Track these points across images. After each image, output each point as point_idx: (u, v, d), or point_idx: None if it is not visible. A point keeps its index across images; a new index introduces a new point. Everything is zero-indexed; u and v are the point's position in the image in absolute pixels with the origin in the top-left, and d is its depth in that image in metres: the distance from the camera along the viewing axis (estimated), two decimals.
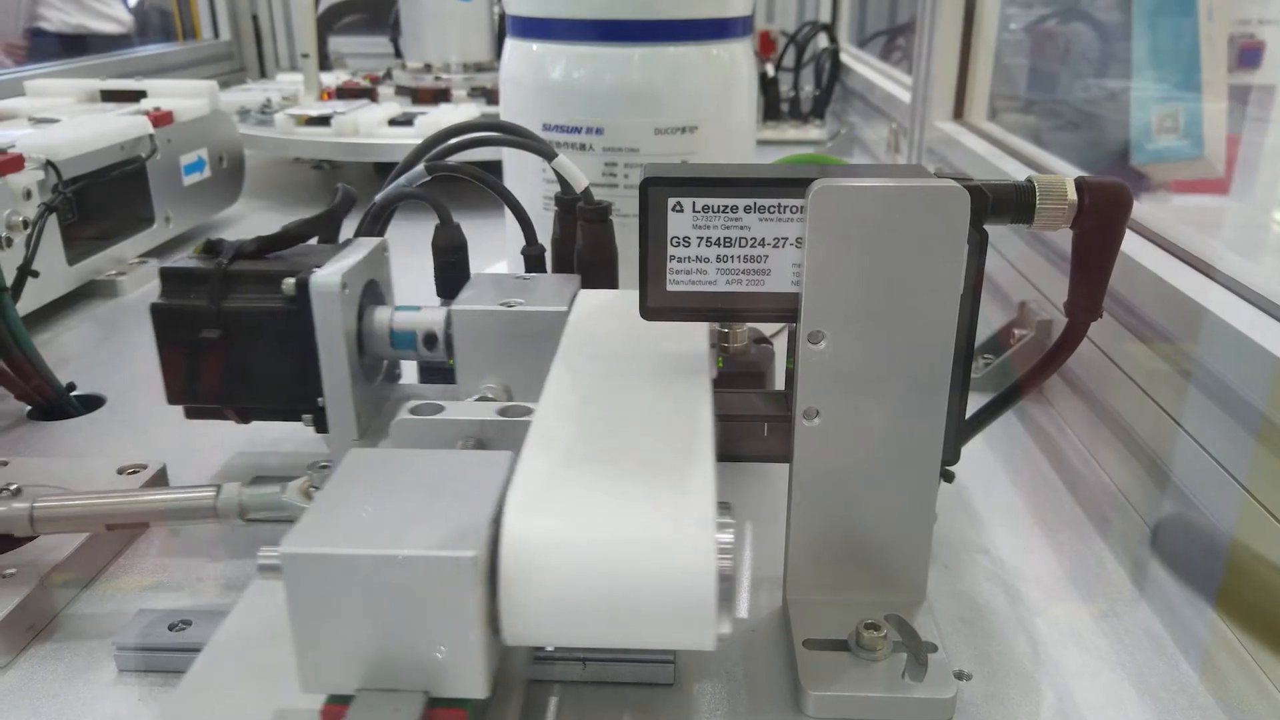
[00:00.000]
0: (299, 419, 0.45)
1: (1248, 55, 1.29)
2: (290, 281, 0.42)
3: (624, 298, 0.43)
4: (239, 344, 0.43)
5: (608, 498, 0.27)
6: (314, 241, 0.47)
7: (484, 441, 0.34)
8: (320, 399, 0.43)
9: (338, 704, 0.26)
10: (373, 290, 0.46)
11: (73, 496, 0.39)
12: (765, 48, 1.50)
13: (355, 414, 0.43)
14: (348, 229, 0.49)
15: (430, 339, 0.44)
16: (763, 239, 0.34)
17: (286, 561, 0.25)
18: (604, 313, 0.41)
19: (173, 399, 0.45)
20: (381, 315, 0.44)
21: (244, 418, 0.46)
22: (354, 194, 0.49)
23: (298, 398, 0.44)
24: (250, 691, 0.29)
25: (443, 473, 0.28)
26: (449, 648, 0.25)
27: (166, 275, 0.43)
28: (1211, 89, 0.93)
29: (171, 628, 0.36)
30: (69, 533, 0.40)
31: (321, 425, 0.44)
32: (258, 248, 0.44)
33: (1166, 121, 0.93)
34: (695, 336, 0.37)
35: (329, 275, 0.42)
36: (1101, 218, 0.34)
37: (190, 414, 0.46)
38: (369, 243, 0.46)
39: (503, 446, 0.30)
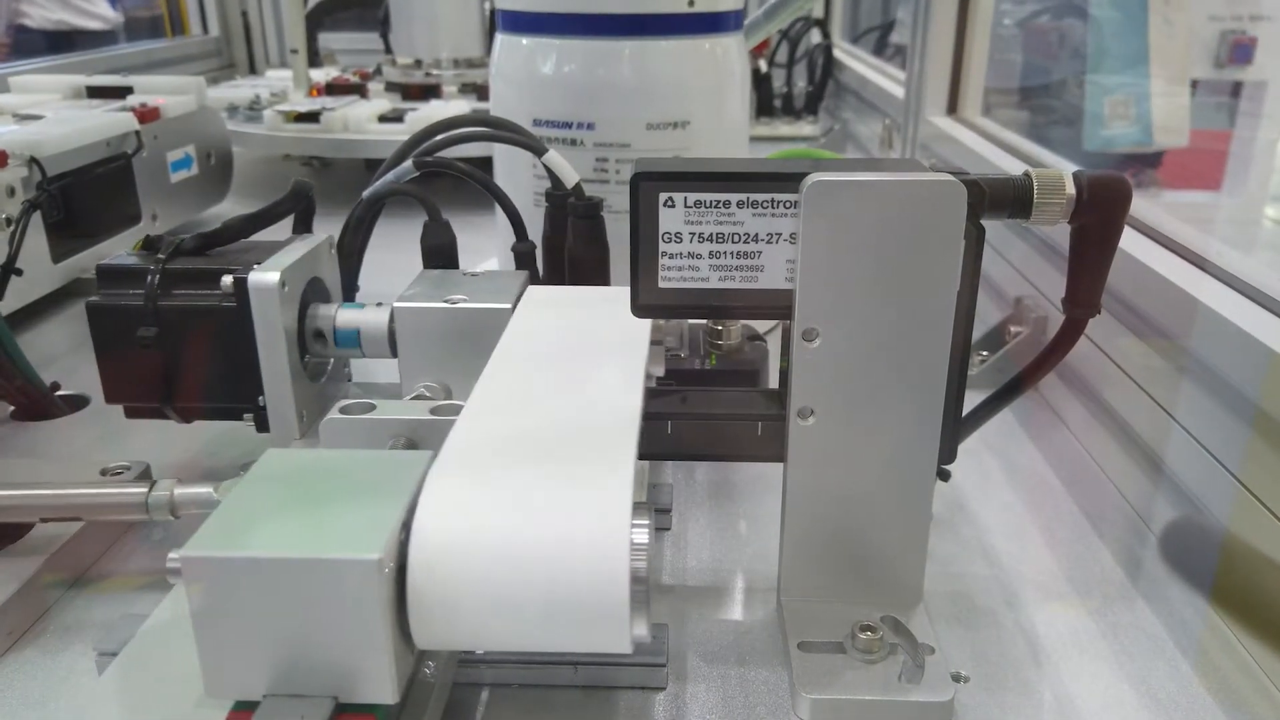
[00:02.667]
0: (240, 418, 0.44)
1: (1239, 51, 1.29)
2: (228, 279, 0.41)
3: (573, 294, 0.43)
4: (177, 342, 0.42)
5: (521, 498, 0.26)
6: (258, 237, 0.46)
7: (415, 441, 0.34)
8: (261, 398, 0.43)
9: (243, 710, 0.25)
10: (316, 287, 0.45)
11: (7, 488, 0.38)
12: (758, 44, 1.49)
13: (297, 413, 0.43)
14: (335, 225, 0.49)
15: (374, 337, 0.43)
16: (756, 234, 0.33)
17: (186, 565, 0.24)
18: (548, 309, 0.40)
19: (111, 398, 0.44)
20: (324, 313, 0.44)
21: (185, 417, 0.45)
22: (308, 188, 0.48)
23: (238, 396, 0.43)
24: (162, 698, 0.28)
25: (359, 473, 0.28)
26: (356, 652, 0.25)
27: (103, 273, 0.43)
28: (1165, 76, 0.92)
29: None
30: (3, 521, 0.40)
31: (263, 424, 0.44)
32: (197, 244, 0.44)
33: (1118, 109, 0.93)
34: (637, 335, 0.37)
35: (267, 272, 0.41)
36: (1100, 213, 0.34)
37: (130, 413, 0.45)
38: (312, 239, 0.45)
39: (434, 446, 0.29)
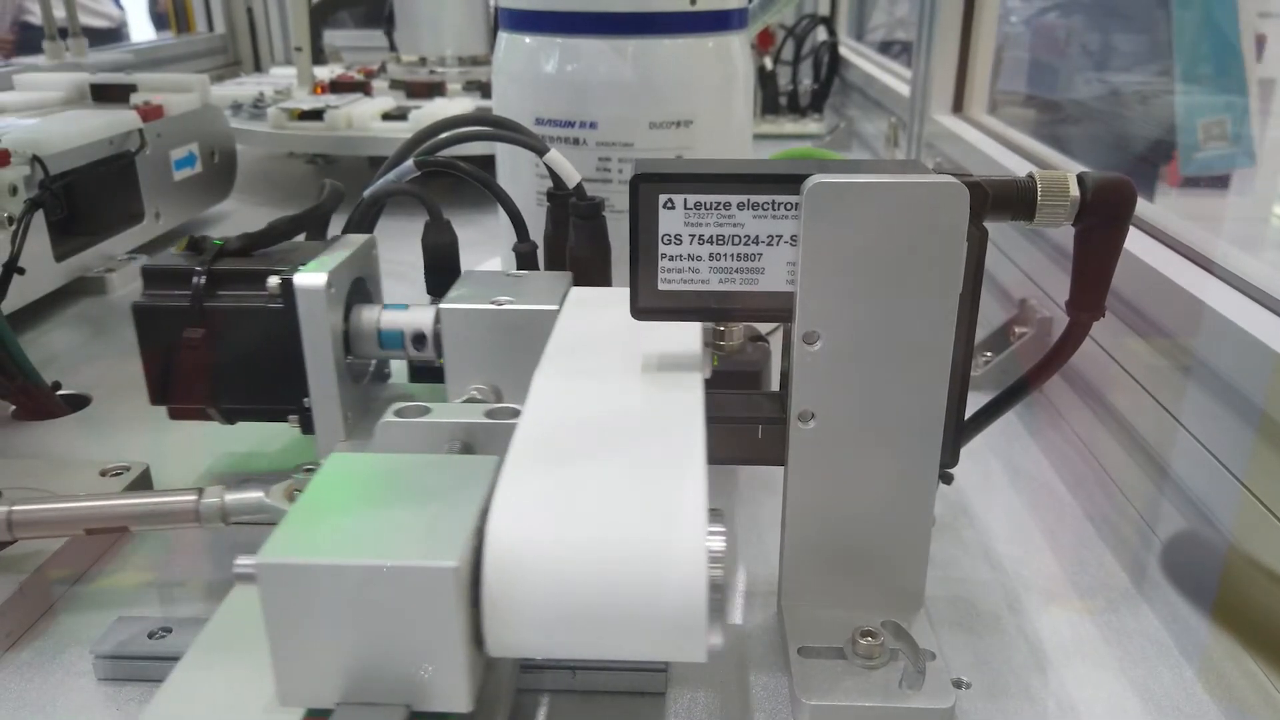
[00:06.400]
0: (284, 420, 0.44)
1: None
2: (275, 280, 0.41)
3: (616, 295, 0.42)
4: (223, 343, 0.42)
5: (595, 504, 0.26)
6: (301, 238, 0.46)
7: (471, 445, 0.33)
8: (306, 399, 0.42)
9: (316, 718, 0.25)
10: (360, 288, 0.45)
11: (52, 500, 0.38)
12: (763, 41, 1.48)
13: (342, 415, 0.43)
14: (335, 225, 0.48)
15: (419, 338, 0.43)
16: (756, 236, 0.33)
17: (263, 571, 0.24)
18: (595, 311, 0.40)
19: (155, 399, 0.44)
20: (369, 314, 0.43)
21: (229, 418, 0.45)
22: (341, 189, 0.48)
23: (283, 398, 0.43)
24: (226, 703, 0.28)
25: (426, 478, 0.28)
26: (431, 661, 0.24)
27: (149, 273, 0.42)
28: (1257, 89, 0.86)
29: (151, 636, 0.36)
30: (47, 537, 0.39)
31: (308, 426, 0.43)
32: (242, 245, 0.44)
33: (1214, 129, 0.89)
34: (687, 336, 0.36)
35: (314, 274, 0.41)
36: (1104, 214, 0.33)
37: (174, 414, 0.45)
38: (356, 239, 0.45)
39: (491, 450, 0.29)
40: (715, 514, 0.25)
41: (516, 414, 0.33)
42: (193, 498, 0.37)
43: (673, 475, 0.27)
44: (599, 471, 0.27)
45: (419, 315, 0.43)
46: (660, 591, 0.24)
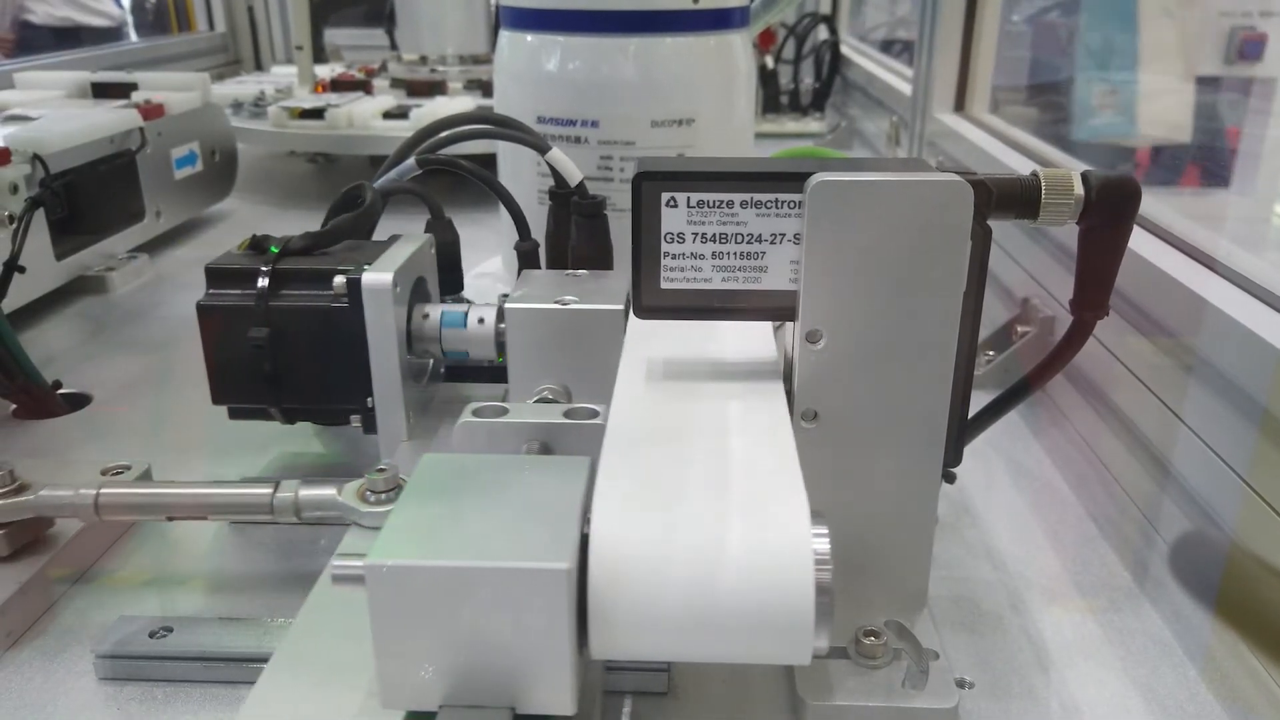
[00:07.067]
0: (346, 420, 0.44)
1: (1249, 47, 1.28)
2: (340, 279, 0.41)
3: None
4: (287, 343, 0.42)
5: (697, 506, 0.25)
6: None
7: (548, 445, 0.33)
8: (369, 399, 0.42)
9: None
10: (421, 287, 0.44)
11: (136, 485, 0.39)
12: (765, 40, 1.48)
13: (405, 414, 0.42)
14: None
15: (481, 338, 0.43)
16: (759, 235, 0.33)
17: (371, 573, 0.23)
18: None
19: (218, 399, 0.44)
20: (431, 313, 0.43)
21: (290, 418, 0.45)
22: (379, 192, 0.48)
23: (347, 397, 0.43)
24: (320, 705, 0.27)
25: (522, 479, 0.27)
26: (538, 662, 0.24)
27: (213, 273, 0.42)
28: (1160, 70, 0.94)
29: (152, 635, 0.35)
30: (129, 520, 0.41)
31: (370, 426, 0.43)
32: (306, 245, 0.43)
33: (1106, 99, 0.97)
34: (763, 335, 0.36)
35: (381, 273, 0.40)
36: (1108, 213, 0.33)
37: (234, 414, 0.45)
38: (416, 239, 0.45)
39: (568, 450, 0.28)
40: (817, 515, 0.25)
41: (594, 414, 0.33)
42: (268, 490, 0.37)
43: (771, 477, 0.27)
44: (697, 473, 0.27)
45: (482, 315, 0.43)
46: (768, 594, 0.24)
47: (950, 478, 0.36)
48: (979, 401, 0.37)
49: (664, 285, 0.33)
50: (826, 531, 0.24)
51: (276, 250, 0.43)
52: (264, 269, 0.42)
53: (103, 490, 0.37)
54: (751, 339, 0.36)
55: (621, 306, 0.40)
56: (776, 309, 0.34)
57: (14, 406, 0.55)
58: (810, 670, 0.34)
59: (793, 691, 0.34)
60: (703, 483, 0.27)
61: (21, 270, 0.61)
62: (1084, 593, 0.41)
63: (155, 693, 0.35)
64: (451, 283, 0.50)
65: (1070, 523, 0.46)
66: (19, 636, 0.37)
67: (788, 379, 0.35)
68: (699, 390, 0.32)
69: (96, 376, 0.60)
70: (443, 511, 0.26)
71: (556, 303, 0.41)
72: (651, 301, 0.34)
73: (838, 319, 0.32)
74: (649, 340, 0.36)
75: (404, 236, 0.46)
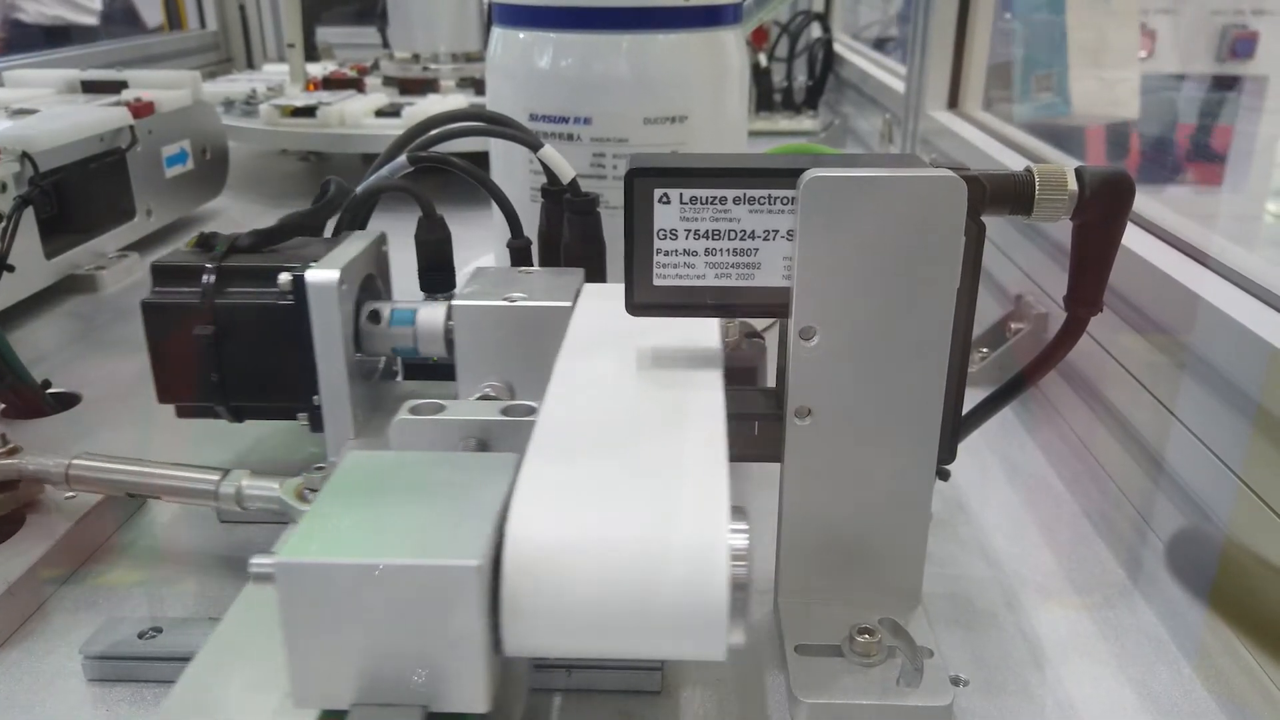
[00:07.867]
0: (294, 418, 0.43)
1: (1241, 45, 1.28)
2: (286, 276, 0.40)
3: None
4: (233, 341, 0.42)
5: (616, 502, 0.25)
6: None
7: (487, 442, 0.33)
8: (316, 397, 0.42)
9: (331, 719, 0.25)
10: (370, 285, 0.44)
11: (103, 460, 0.41)
12: (758, 37, 1.48)
13: (352, 412, 0.42)
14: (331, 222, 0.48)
15: (429, 335, 0.43)
16: (752, 231, 0.32)
17: (281, 570, 0.23)
18: (609, 307, 0.39)
19: (164, 397, 0.43)
20: (380, 311, 0.43)
21: (237, 416, 0.45)
22: (348, 187, 0.48)
23: (293, 396, 0.42)
24: (241, 704, 0.27)
25: (445, 477, 0.27)
26: (451, 660, 0.24)
27: (158, 270, 0.42)
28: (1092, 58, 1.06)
29: (141, 636, 0.35)
30: (95, 493, 0.43)
31: (317, 424, 0.43)
32: (253, 242, 0.43)
33: (1044, 82, 1.08)
34: (706, 331, 0.36)
35: (326, 270, 0.40)
36: (1103, 209, 0.33)
37: (182, 413, 0.45)
38: (366, 236, 0.45)
39: (507, 447, 0.28)
40: (738, 511, 0.25)
41: (532, 411, 0.33)
42: (215, 478, 0.38)
43: (694, 472, 0.27)
44: (619, 469, 0.27)
45: (430, 312, 0.43)
46: (681, 589, 0.24)
47: (944, 475, 0.36)
48: (973, 398, 0.37)
49: (657, 282, 0.33)
50: (746, 528, 0.24)
51: (223, 248, 0.43)
52: (209, 266, 0.41)
53: (73, 462, 0.40)
54: (695, 332, 0.36)
55: (570, 303, 0.40)
56: (770, 306, 0.33)
57: (2, 406, 0.55)
58: (804, 668, 0.34)
59: (787, 690, 0.34)
60: (625, 478, 0.26)
61: (11, 269, 0.60)
62: (1078, 589, 0.41)
63: (144, 693, 0.34)
64: (443, 281, 0.50)
65: (1065, 519, 0.46)
66: (7, 637, 0.37)
67: (781, 376, 0.35)
68: (634, 385, 0.32)
69: (86, 376, 0.60)
70: (360, 509, 0.25)
71: (505, 300, 0.40)
72: (644, 299, 0.34)
73: (831, 316, 0.32)
74: (589, 334, 0.36)
75: (355, 233, 0.45)
